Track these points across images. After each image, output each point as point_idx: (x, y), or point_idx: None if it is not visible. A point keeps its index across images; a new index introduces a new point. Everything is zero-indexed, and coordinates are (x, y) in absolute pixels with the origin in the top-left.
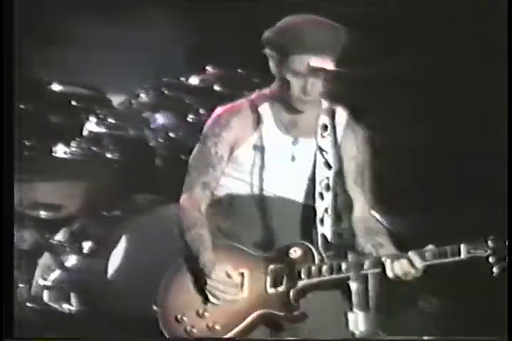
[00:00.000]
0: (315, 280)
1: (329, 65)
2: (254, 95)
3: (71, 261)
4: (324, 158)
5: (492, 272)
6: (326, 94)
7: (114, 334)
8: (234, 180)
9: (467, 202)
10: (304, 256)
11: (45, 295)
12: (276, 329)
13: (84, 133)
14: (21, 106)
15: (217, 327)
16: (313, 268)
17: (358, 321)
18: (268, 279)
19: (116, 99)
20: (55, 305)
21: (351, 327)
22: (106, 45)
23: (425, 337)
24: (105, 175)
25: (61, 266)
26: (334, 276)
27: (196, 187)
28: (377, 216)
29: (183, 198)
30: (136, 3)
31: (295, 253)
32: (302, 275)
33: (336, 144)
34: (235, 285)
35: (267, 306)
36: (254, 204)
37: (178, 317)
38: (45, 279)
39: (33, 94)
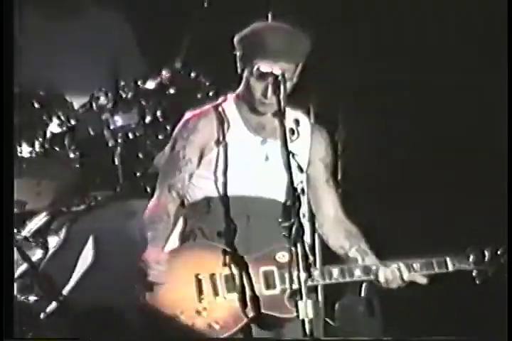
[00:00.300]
0: (308, 284)
1: (279, 70)
2: (220, 99)
3: (37, 255)
4: (296, 161)
5: (475, 283)
6: (287, 99)
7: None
8: (209, 182)
9: (451, 212)
10: (292, 261)
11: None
12: (270, 329)
13: (47, 134)
14: None
15: (215, 326)
16: (303, 274)
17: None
18: (261, 281)
19: (77, 102)
20: (22, 298)
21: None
22: (61, 47)
23: (424, 338)
24: (67, 173)
25: (27, 260)
26: (327, 282)
27: (163, 190)
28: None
29: (152, 200)
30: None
31: (283, 257)
32: (294, 280)
33: (305, 147)
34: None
35: (262, 307)
36: (233, 205)
37: (178, 313)
38: None
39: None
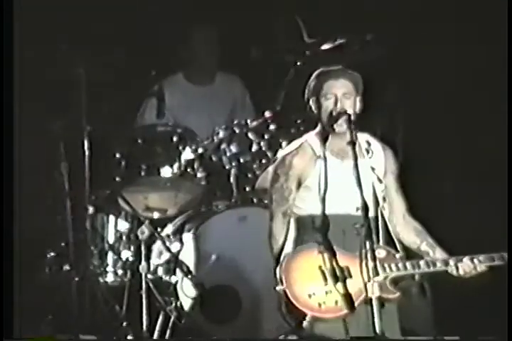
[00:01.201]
0: (402, 273)
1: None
2: (305, 136)
3: (176, 248)
4: (376, 174)
5: None
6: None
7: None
8: (311, 202)
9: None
10: (388, 255)
11: (159, 271)
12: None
13: (182, 160)
14: (139, 141)
15: (339, 304)
16: (399, 264)
17: None
18: (370, 270)
19: (204, 136)
20: (166, 277)
21: None
22: (195, 100)
23: (423, 338)
24: (196, 188)
25: (169, 251)
26: (417, 271)
27: (278, 215)
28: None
29: (272, 222)
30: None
31: (380, 254)
32: (393, 269)
33: (380, 162)
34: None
35: (372, 291)
36: (332, 222)
37: (311, 293)
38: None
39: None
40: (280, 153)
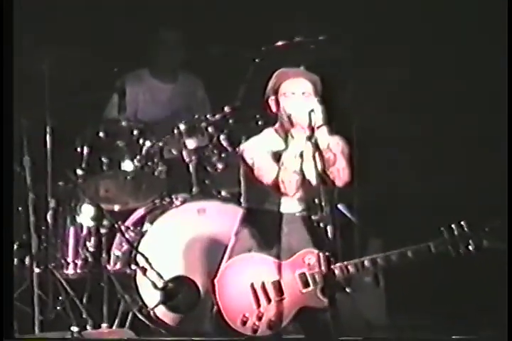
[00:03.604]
0: (331, 281)
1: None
2: (267, 131)
3: (135, 239)
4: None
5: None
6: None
7: None
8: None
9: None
10: (317, 261)
11: (119, 262)
12: (310, 320)
13: (143, 153)
14: (101, 134)
15: (272, 324)
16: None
17: None
18: (299, 282)
19: (164, 130)
20: (126, 269)
21: None
22: (158, 95)
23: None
24: (156, 181)
25: (128, 242)
26: (346, 275)
27: None
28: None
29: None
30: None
31: (311, 259)
32: (323, 278)
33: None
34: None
35: (304, 303)
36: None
37: (245, 320)
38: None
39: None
40: (241, 147)
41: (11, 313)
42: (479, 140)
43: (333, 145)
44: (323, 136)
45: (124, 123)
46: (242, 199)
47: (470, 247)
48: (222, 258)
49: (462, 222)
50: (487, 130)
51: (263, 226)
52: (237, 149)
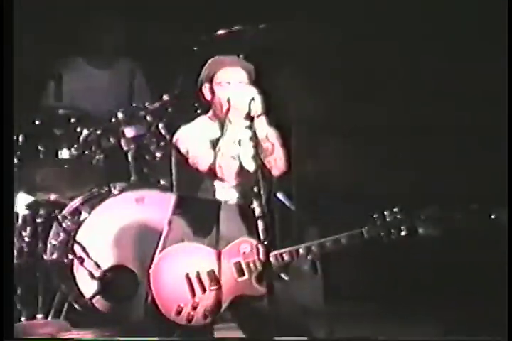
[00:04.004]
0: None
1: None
2: (201, 118)
3: (72, 228)
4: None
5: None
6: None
7: None
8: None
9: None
10: (252, 250)
11: (56, 252)
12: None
13: (80, 141)
14: (37, 122)
15: (207, 313)
16: (263, 259)
17: None
18: (234, 271)
19: (103, 118)
20: (63, 258)
21: None
22: (93, 81)
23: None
24: (94, 170)
25: (65, 231)
26: (281, 263)
27: None
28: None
29: None
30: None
31: (246, 248)
32: (258, 266)
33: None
34: None
35: (239, 291)
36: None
37: (180, 310)
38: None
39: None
40: (177, 135)
41: (11, 313)
42: (415, 127)
43: (271, 135)
44: (262, 125)
45: (60, 111)
46: (173, 189)
47: (402, 233)
48: (157, 248)
49: (395, 209)
50: (422, 114)
51: (197, 214)
52: (172, 139)
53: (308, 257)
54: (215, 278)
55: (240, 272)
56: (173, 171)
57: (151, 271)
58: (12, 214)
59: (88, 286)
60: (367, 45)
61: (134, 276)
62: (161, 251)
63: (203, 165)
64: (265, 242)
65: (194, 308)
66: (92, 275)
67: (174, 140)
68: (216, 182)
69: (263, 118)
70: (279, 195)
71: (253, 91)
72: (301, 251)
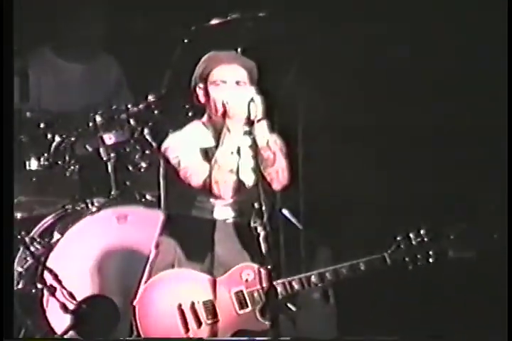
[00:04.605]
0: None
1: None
2: (194, 124)
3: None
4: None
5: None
6: None
7: None
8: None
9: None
10: (256, 276)
11: (22, 280)
12: None
13: (52, 150)
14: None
15: None
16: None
17: None
18: (235, 302)
19: (77, 123)
20: (30, 288)
21: None
22: (66, 79)
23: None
24: (68, 183)
25: (33, 256)
26: (290, 292)
27: None
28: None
29: None
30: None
31: (249, 275)
32: (262, 297)
33: None
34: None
35: (240, 326)
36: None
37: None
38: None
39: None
40: (166, 143)
41: (11, 313)
42: (441, 136)
43: (272, 142)
44: (262, 131)
45: (27, 115)
46: (161, 205)
47: (430, 259)
48: (143, 275)
49: (422, 231)
50: (451, 124)
51: (189, 235)
52: (160, 147)
53: (319, 285)
54: (212, 310)
55: (242, 303)
56: (161, 185)
57: (135, 302)
58: (12, 217)
59: (60, 321)
60: (392, 34)
61: (114, 307)
62: (147, 278)
63: (197, 180)
64: (268, 267)
65: None
66: (64, 307)
67: (163, 149)
68: (211, 199)
69: (264, 123)
70: (284, 212)
71: (252, 92)
72: (313, 278)
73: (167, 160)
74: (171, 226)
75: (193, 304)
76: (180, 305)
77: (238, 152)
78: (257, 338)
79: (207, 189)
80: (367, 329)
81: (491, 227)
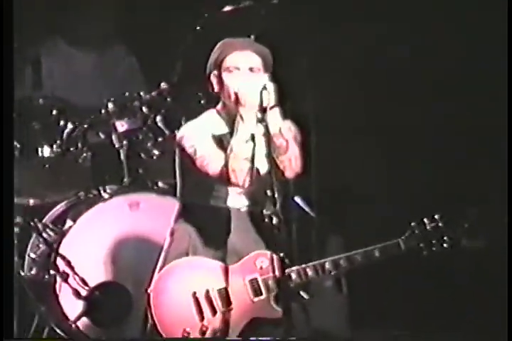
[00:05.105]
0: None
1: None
2: (209, 112)
3: (55, 239)
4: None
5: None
6: None
7: None
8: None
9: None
10: (270, 264)
11: (35, 267)
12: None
13: (64, 137)
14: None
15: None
16: (284, 276)
17: None
18: (249, 289)
19: (89, 110)
20: (43, 274)
21: None
22: (79, 69)
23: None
24: (81, 171)
25: (46, 243)
26: (304, 280)
27: None
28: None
29: None
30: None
31: (263, 263)
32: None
33: None
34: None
35: (255, 313)
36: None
37: (185, 334)
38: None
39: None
40: (180, 133)
41: (11, 313)
42: (456, 126)
43: (285, 130)
44: (275, 118)
45: (40, 102)
46: (177, 194)
47: (445, 244)
48: (157, 262)
49: (436, 216)
50: (463, 116)
51: (204, 224)
52: (175, 135)
53: (333, 272)
54: (227, 298)
55: (257, 291)
56: (177, 174)
57: (150, 290)
58: (12, 215)
59: (73, 307)
60: (410, 23)
61: (128, 295)
62: (162, 266)
63: (214, 168)
64: (281, 254)
65: (203, 333)
66: (77, 293)
67: (179, 138)
68: (230, 188)
69: (277, 111)
70: (297, 199)
71: (265, 79)
72: (327, 265)
73: (183, 149)
74: (186, 215)
75: (207, 292)
76: (194, 293)
77: (253, 139)
78: (262, 338)
79: (224, 177)
80: (379, 320)
81: (503, 214)
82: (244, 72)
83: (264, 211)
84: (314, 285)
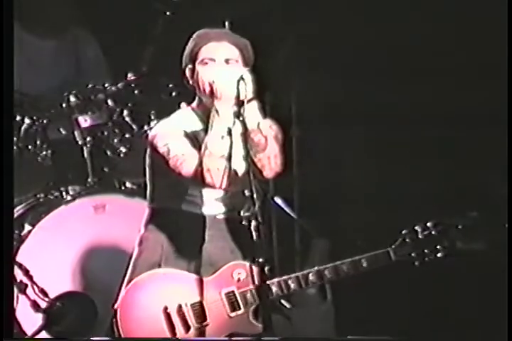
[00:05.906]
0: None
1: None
2: (183, 110)
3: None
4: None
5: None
6: None
7: None
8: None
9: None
10: (248, 276)
11: None
12: None
13: (21, 133)
14: None
15: None
16: (264, 289)
17: None
18: (226, 303)
19: (49, 103)
20: None
21: None
22: (37, 58)
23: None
24: (40, 170)
25: None
26: (285, 292)
27: None
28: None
29: None
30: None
31: (241, 274)
32: (256, 298)
33: None
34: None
35: (232, 329)
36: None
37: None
38: None
39: None
40: (154, 131)
41: (11, 313)
42: (450, 123)
43: (265, 127)
44: (253, 113)
45: None
46: (147, 198)
47: (439, 254)
48: (125, 275)
49: (428, 223)
50: (459, 113)
51: (176, 231)
52: (145, 131)
53: (318, 283)
54: (201, 313)
55: (234, 305)
56: (147, 176)
57: (116, 305)
58: (12, 213)
59: (30, 320)
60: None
61: (92, 305)
62: (130, 279)
63: (188, 169)
64: (260, 260)
65: None
66: (36, 305)
67: (151, 136)
68: (204, 190)
69: (255, 104)
70: (277, 200)
71: (242, 70)
72: (310, 277)
73: (155, 149)
74: (157, 221)
75: (179, 307)
76: (166, 308)
77: (229, 135)
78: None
79: (199, 178)
80: (367, 328)
81: (502, 217)
82: (220, 63)
83: (242, 212)
84: (297, 294)
